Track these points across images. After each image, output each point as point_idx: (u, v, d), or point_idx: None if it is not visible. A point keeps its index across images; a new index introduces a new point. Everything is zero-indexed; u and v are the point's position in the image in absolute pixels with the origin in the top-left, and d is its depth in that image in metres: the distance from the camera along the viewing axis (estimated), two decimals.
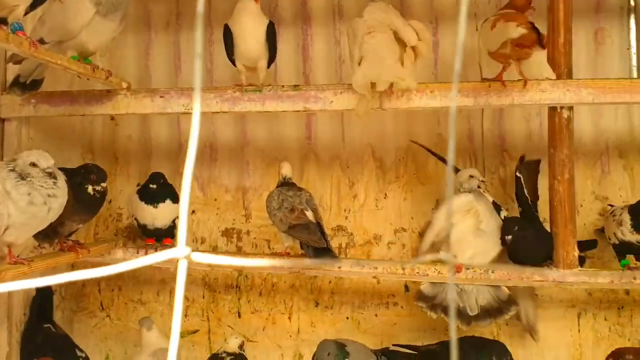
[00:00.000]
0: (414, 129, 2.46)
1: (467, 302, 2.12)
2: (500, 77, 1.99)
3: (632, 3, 2.40)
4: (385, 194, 2.49)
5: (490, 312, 2.13)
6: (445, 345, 2.15)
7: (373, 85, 1.91)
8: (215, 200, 2.59)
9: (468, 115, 2.44)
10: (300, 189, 2.13)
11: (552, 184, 2.07)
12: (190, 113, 0.73)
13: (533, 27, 1.86)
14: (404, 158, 2.48)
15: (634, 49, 2.39)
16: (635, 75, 2.37)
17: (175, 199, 2.21)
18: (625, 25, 2.40)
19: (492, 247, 2.11)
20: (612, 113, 2.40)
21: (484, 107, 2.02)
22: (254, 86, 2.09)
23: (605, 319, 2.35)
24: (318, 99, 2.07)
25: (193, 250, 0.51)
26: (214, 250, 2.56)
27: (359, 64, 1.96)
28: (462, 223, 2.07)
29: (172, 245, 0.54)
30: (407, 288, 2.47)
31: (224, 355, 2.22)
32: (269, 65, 2.15)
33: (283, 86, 2.12)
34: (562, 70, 2.04)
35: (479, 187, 2.16)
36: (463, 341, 2.10)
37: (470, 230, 2.08)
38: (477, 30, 2.12)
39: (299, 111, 2.11)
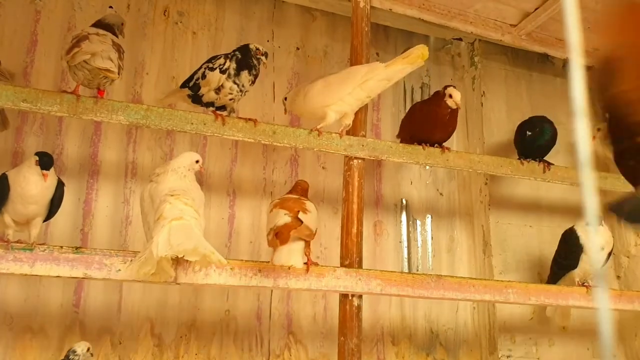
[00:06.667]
0: (201, 304, 2.28)
1: None
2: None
3: (404, 202, 2.70)
4: None
5: None
6: None
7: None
8: None
9: (258, 292, 2.36)
10: None
11: None
12: None
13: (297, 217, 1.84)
14: (186, 336, 2.24)
15: (405, 243, 2.65)
16: (406, 266, 2.60)
17: None
18: (398, 220, 2.68)
19: None
20: (387, 301, 2.55)
21: (282, 288, 1.97)
22: (23, 243, 1.73)
23: None
24: (103, 266, 1.77)
25: None
26: None
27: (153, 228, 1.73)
28: None
29: None
30: None
31: None
32: (45, 220, 1.84)
33: (61, 247, 1.78)
34: (354, 259, 2.12)
35: None
36: None
37: None
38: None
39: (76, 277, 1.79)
